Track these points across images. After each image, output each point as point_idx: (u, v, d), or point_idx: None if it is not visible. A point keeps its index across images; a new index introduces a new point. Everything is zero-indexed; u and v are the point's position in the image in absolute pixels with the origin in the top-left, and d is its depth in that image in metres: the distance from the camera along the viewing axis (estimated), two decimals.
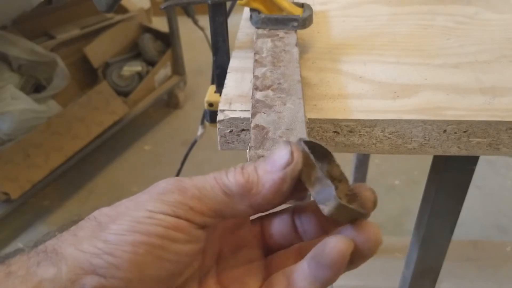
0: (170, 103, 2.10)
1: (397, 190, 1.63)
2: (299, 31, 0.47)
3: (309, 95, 0.40)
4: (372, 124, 0.38)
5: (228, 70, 0.45)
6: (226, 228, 0.30)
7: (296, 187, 0.26)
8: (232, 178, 0.25)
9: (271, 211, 0.31)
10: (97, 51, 1.77)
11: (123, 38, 1.89)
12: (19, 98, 1.46)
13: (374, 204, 0.27)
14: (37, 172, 1.46)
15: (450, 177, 0.50)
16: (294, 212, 0.30)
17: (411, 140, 0.38)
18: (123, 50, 1.90)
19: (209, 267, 0.29)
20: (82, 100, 1.63)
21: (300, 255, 0.29)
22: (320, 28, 0.54)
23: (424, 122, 0.37)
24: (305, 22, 0.46)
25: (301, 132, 0.32)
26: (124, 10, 1.91)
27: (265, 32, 0.46)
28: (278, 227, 0.30)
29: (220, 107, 0.39)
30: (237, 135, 0.38)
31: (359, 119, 0.37)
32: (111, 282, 0.23)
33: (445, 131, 0.38)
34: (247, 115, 0.37)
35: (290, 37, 0.45)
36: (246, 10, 0.55)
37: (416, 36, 0.51)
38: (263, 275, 0.29)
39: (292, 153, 0.25)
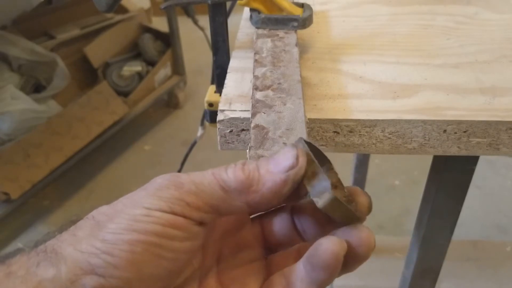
0: (170, 103, 2.10)
1: (397, 190, 1.63)
2: (299, 31, 0.47)
3: (309, 95, 0.40)
4: (372, 124, 0.38)
5: (228, 70, 0.45)
6: (227, 228, 0.30)
7: (295, 191, 0.26)
8: (232, 173, 0.25)
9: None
10: (97, 51, 1.77)
11: (123, 38, 1.89)
12: (19, 98, 1.46)
13: (369, 209, 0.27)
14: (37, 172, 1.46)
15: (450, 177, 0.50)
16: (293, 211, 0.30)
17: (411, 140, 0.38)
18: (123, 50, 1.90)
19: (210, 267, 0.29)
20: (82, 100, 1.63)
21: (300, 256, 0.29)
22: (320, 28, 0.54)
23: (424, 122, 0.37)
24: (305, 22, 0.46)
25: (301, 132, 0.32)
26: (124, 10, 1.91)
27: (265, 32, 0.46)
28: (278, 226, 0.30)
29: (220, 107, 0.39)
30: (237, 135, 0.38)
31: (359, 119, 0.37)
32: (110, 281, 0.23)
33: (445, 131, 0.38)
34: (247, 115, 0.37)
35: (290, 37, 0.45)
36: (246, 10, 0.55)
37: (416, 36, 0.51)
38: (263, 275, 0.29)
39: (297, 157, 0.25)
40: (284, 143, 0.30)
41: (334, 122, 0.38)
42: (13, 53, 1.51)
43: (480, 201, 1.56)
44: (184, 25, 1.92)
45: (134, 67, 1.87)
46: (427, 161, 0.53)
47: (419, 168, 1.67)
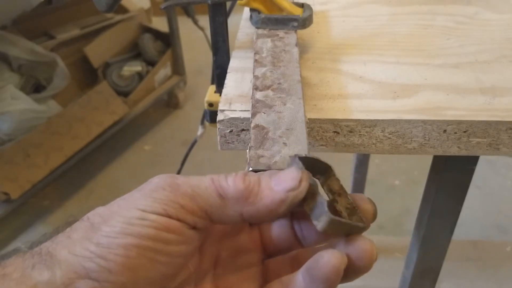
0: (170, 103, 2.10)
1: (397, 190, 1.63)
2: (299, 31, 0.47)
3: (309, 95, 0.40)
4: (372, 124, 0.38)
5: (228, 70, 0.45)
6: (225, 232, 0.30)
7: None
8: (232, 182, 0.25)
9: None
10: (97, 51, 1.77)
11: (123, 38, 1.89)
12: (19, 98, 1.46)
13: (374, 216, 0.27)
14: (37, 172, 1.46)
15: (450, 177, 0.50)
16: (293, 217, 0.29)
17: (411, 140, 0.38)
18: (123, 50, 1.90)
19: (206, 271, 0.29)
20: (82, 100, 1.63)
21: (297, 263, 0.29)
22: (320, 28, 0.54)
23: (424, 122, 0.37)
24: (305, 22, 0.46)
25: (301, 132, 0.32)
26: (124, 10, 1.91)
27: (265, 32, 0.46)
28: (277, 232, 0.30)
29: (220, 107, 0.39)
30: (237, 135, 0.38)
31: (359, 119, 0.37)
32: (104, 286, 0.22)
33: (445, 131, 0.38)
34: (247, 115, 0.37)
35: (290, 37, 0.45)
36: (246, 10, 0.55)
37: (416, 36, 0.51)
38: (260, 282, 0.29)
39: (300, 181, 0.24)
40: (284, 143, 0.30)
41: (334, 122, 0.38)
42: (13, 53, 1.51)
43: (480, 201, 1.56)
44: (184, 25, 1.92)
45: (134, 67, 1.87)
46: (427, 161, 0.53)
47: (419, 168, 1.67)
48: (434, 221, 0.55)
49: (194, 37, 1.96)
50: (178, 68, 2.03)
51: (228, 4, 0.50)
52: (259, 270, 0.30)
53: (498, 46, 0.49)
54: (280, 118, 0.33)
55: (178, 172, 1.11)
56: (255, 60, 0.41)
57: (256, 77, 0.38)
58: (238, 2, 0.45)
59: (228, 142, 0.39)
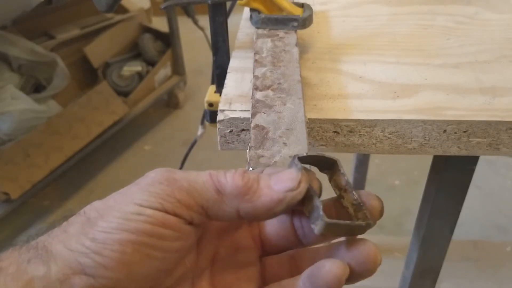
0: (170, 103, 2.10)
1: (397, 190, 1.63)
2: (299, 31, 0.47)
3: (309, 95, 0.40)
4: (372, 124, 0.38)
5: (228, 70, 0.45)
6: (223, 229, 0.30)
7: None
8: (230, 178, 0.25)
9: None
10: (97, 51, 1.77)
11: (123, 38, 1.89)
12: (19, 98, 1.46)
13: (381, 213, 0.26)
14: (37, 172, 1.46)
15: (450, 177, 0.50)
16: (294, 214, 0.29)
17: (411, 140, 0.38)
18: (123, 50, 1.90)
19: (204, 268, 0.28)
20: (82, 100, 1.63)
21: (295, 263, 0.29)
22: (320, 28, 0.54)
23: (424, 122, 0.37)
24: (305, 22, 0.46)
25: (301, 132, 0.32)
26: (124, 10, 1.91)
27: (265, 32, 0.46)
28: (277, 229, 0.29)
29: (220, 107, 0.39)
30: (237, 135, 0.38)
31: (359, 119, 0.37)
32: (100, 281, 0.22)
33: (445, 131, 0.38)
34: (247, 115, 0.37)
35: (290, 37, 0.45)
36: (246, 10, 0.55)
37: (416, 36, 0.51)
38: (257, 281, 0.29)
39: (299, 182, 0.24)
40: (284, 143, 0.30)
41: (334, 122, 0.38)
42: (13, 53, 1.51)
43: (480, 201, 1.56)
44: (184, 25, 1.92)
45: (134, 67, 1.87)
46: (427, 161, 0.53)
47: (419, 168, 1.67)
48: (434, 221, 0.55)
49: (194, 37, 1.96)
50: (178, 68, 2.03)
51: (228, 4, 0.50)
52: (256, 269, 0.29)
53: (498, 46, 0.49)
54: (280, 118, 0.33)
55: None
56: (255, 60, 0.41)
57: (256, 77, 0.38)
58: (238, 2, 0.45)
59: (228, 142, 0.39)
